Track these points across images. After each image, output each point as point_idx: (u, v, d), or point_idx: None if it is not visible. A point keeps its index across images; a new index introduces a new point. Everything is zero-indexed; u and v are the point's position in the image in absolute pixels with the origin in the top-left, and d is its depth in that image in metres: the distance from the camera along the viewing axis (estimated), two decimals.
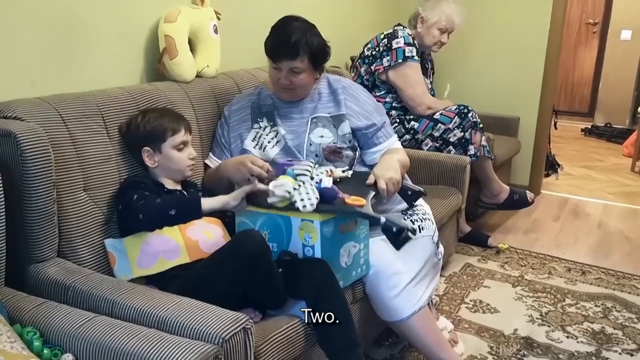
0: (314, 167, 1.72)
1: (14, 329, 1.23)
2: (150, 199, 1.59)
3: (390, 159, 1.94)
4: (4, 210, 1.37)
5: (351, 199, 1.60)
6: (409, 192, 1.88)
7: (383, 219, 1.56)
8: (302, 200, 1.53)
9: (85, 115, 1.66)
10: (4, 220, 1.37)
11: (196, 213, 1.60)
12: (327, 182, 1.63)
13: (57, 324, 1.28)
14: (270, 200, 1.58)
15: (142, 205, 1.57)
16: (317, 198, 1.55)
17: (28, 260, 1.50)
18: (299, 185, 1.59)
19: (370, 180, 1.78)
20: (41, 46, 1.73)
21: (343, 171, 1.83)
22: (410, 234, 1.57)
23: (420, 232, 1.97)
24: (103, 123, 1.70)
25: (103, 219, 1.66)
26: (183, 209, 1.59)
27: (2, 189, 1.36)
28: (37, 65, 1.73)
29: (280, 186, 1.57)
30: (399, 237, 1.55)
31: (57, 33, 1.76)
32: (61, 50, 1.79)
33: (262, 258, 1.48)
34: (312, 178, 1.66)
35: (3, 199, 1.36)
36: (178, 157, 1.74)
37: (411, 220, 1.98)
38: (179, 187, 1.78)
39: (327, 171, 1.72)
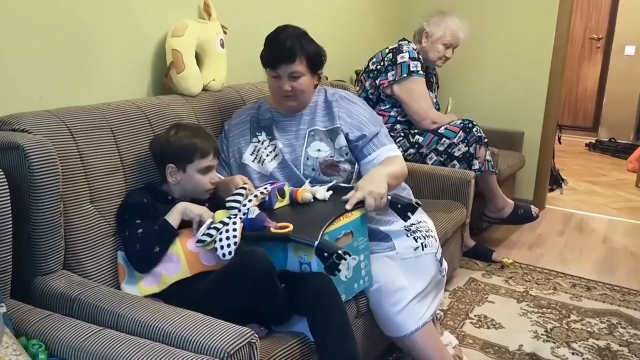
0: (245, 197, 1.66)
1: (19, 342, 1.23)
2: (132, 246, 1.59)
3: (376, 171, 1.88)
4: (10, 222, 1.37)
5: (277, 227, 1.57)
6: (399, 206, 1.78)
7: (315, 243, 1.50)
8: (222, 247, 1.53)
9: (93, 128, 1.67)
10: (10, 232, 1.38)
11: (172, 234, 1.61)
12: (253, 213, 1.60)
13: (62, 337, 1.28)
14: (197, 244, 1.57)
15: (131, 255, 1.60)
16: (236, 243, 1.52)
17: (34, 272, 1.50)
18: (224, 224, 1.57)
19: (349, 195, 1.73)
20: (49, 59, 1.74)
21: (327, 189, 1.81)
22: (341, 261, 1.47)
23: (423, 249, 1.95)
24: (112, 135, 1.71)
25: (110, 231, 1.66)
26: (162, 239, 1.60)
27: (9, 200, 1.36)
28: (45, 78, 1.74)
29: (204, 229, 1.57)
30: (326, 263, 1.48)
31: (64, 46, 1.78)
32: (69, 63, 1.80)
33: (266, 276, 1.47)
34: (239, 210, 1.63)
35: (10, 211, 1.37)
36: (200, 180, 1.73)
37: (414, 238, 1.95)
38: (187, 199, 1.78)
39: (256, 197, 1.67)
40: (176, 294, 1.55)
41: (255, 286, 1.46)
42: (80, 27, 1.82)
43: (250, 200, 1.65)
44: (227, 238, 1.54)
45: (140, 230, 1.60)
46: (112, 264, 1.64)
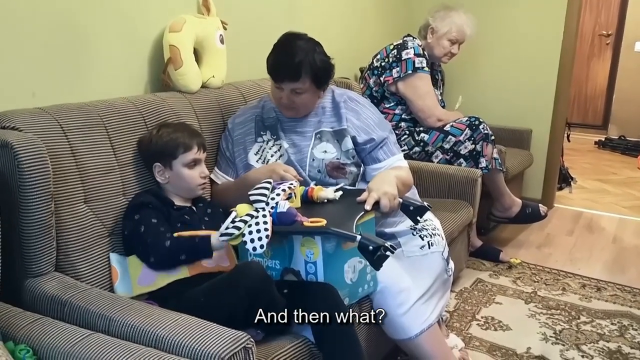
0: (270, 191, 1.61)
1: (6, 347, 1.19)
2: (160, 241, 1.54)
3: (386, 173, 1.85)
4: None
5: (310, 222, 1.52)
6: (411, 208, 1.77)
7: (359, 237, 1.46)
8: (252, 241, 1.45)
9: (87, 126, 1.62)
10: None
11: (206, 254, 1.56)
12: (283, 206, 1.54)
13: (51, 341, 1.24)
14: (221, 238, 1.50)
15: (154, 248, 1.54)
16: (267, 236, 1.45)
17: (25, 274, 1.46)
18: (251, 217, 1.49)
19: (363, 196, 1.69)
20: (43, 55, 1.70)
21: (335, 190, 1.75)
22: (388, 252, 1.45)
23: (429, 248, 1.91)
24: (106, 134, 1.67)
25: (105, 232, 1.62)
26: (193, 253, 1.55)
27: None
28: (38, 75, 1.70)
29: (228, 222, 1.49)
30: (374, 256, 1.44)
31: (59, 42, 1.74)
32: (63, 59, 1.76)
33: (263, 293, 1.42)
34: (267, 204, 1.56)
35: None
36: (188, 175, 1.70)
37: (420, 236, 1.92)
38: (188, 204, 1.74)
39: (284, 191, 1.62)
40: (172, 297, 1.51)
41: (251, 302, 1.40)
42: (76, 22, 1.78)
43: (278, 194, 1.60)
44: (258, 231, 1.46)
45: (163, 229, 1.56)
46: (106, 266, 1.60)
